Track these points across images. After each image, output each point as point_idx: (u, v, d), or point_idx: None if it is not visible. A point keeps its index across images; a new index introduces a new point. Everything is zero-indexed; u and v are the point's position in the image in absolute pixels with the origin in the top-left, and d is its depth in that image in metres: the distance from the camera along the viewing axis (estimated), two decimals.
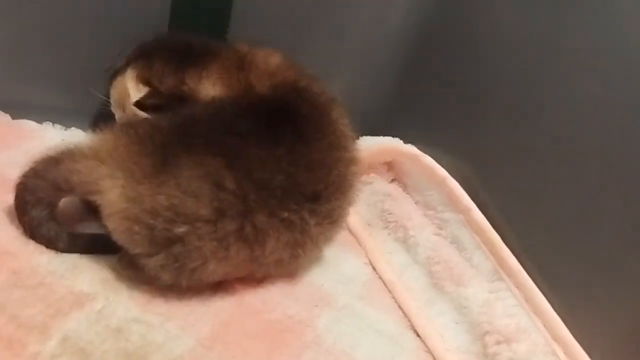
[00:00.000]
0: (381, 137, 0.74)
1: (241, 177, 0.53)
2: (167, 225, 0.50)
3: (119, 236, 0.52)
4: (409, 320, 0.62)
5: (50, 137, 0.69)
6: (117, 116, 0.68)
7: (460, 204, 0.66)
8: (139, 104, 0.65)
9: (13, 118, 0.69)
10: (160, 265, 0.51)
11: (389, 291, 0.65)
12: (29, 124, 0.70)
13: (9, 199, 0.58)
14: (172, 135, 0.55)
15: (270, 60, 0.68)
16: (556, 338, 0.58)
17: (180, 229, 0.51)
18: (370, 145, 0.71)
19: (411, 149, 0.70)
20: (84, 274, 0.52)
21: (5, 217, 0.56)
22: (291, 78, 0.66)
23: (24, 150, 0.66)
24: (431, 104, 0.75)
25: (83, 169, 0.53)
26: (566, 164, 0.61)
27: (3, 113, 0.69)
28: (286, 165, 0.55)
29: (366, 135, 0.75)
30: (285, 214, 0.55)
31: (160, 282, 0.52)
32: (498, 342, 0.57)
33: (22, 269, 0.51)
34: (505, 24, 0.66)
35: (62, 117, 0.71)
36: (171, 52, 0.67)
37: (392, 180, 0.74)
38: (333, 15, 0.75)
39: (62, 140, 0.69)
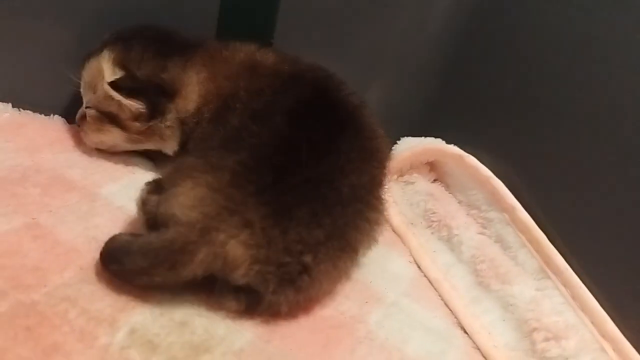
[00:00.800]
0: (423, 138, 0.75)
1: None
2: (298, 257, 0.52)
3: (246, 280, 0.52)
4: (456, 318, 0.64)
5: None
6: (85, 99, 0.67)
7: (504, 203, 0.66)
8: (114, 85, 0.64)
9: (69, 122, 0.72)
10: (285, 298, 0.53)
11: (435, 289, 0.67)
12: None
13: (70, 197, 0.61)
14: (258, 172, 0.54)
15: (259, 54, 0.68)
16: (604, 335, 0.59)
17: (307, 258, 0.53)
18: (413, 146, 0.73)
19: (454, 149, 0.71)
20: None
21: (68, 216, 0.58)
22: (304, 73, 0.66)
23: (80, 153, 0.69)
24: (472, 104, 0.76)
25: (205, 257, 0.50)
26: (611, 162, 0.61)
27: (60, 117, 0.72)
28: (351, 177, 0.57)
29: (408, 136, 0.76)
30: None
31: (276, 311, 0.53)
32: (547, 339, 0.58)
33: (88, 265, 0.53)
34: (548, 22, 0.67)
35: None
36: (151, 39, 0.66)
37: (434, 181, 0.75)
38: (374, 19, 0.77)
39: None
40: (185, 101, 0.65)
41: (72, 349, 0.45)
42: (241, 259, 0.50)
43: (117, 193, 0.64)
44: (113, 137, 0.67)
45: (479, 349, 0.60)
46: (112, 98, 0.64)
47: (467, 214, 0.71)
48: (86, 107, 0.67)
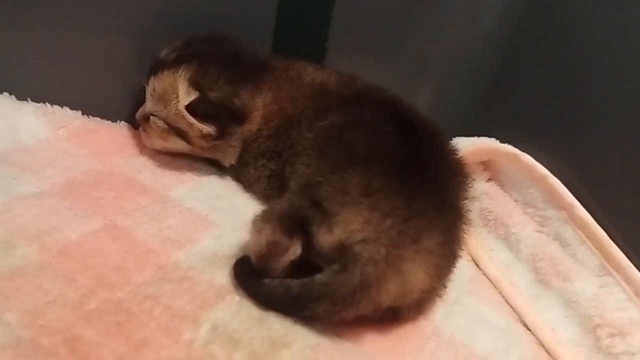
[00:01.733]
0: (477, 138, 0.76)
1: None
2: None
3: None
4: (517, 315, 0.65)
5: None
6: (152, 108, 0.68)
7: (562, 201, 0.67)
8: (189, 109, 0.66)
9: (135, 128, 0.75)
10: None
11: (495, 287, 0.68)
12: None
13: (142, 200, 0.64)
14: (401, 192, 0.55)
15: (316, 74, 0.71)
16: None
17: None
18: (466, 146, 0.73)
19: (509, 147, 0.72)
20: (222, 270, 0.57)
21: (142, 217, 0.61)
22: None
23: (147, 157, 0.72)
24: (525, 102, 0.76)
25: (393, 287, 0.52)
26: None
27: (126, 123, 0.75)
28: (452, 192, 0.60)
29: (461, 136, 0.77)
30: None
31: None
32: (612, 335, 0.59)
33: (165, 265, 0.56)
34: (603, 16, 0.67)
35: None
36: (225, 61, 0.67)
37: (488, 180, 0.76)
38: (425, 19, 0.78)
39: None
40: (251, 125, 0.68)
41: (160, 344, 0.48)
42: (422, 283, 0.53)
43: (186, 195, 0.66)
44: (176, 146, 0.70)
45: (543, 346, 0.61)
46: (184, 117, 0.66)
47: (524, 213, 0.71)
48: (151, 115, 0.69)
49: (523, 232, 0.69)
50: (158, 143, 0.70)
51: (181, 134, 0.68)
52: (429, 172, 0.58)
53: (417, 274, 0.53)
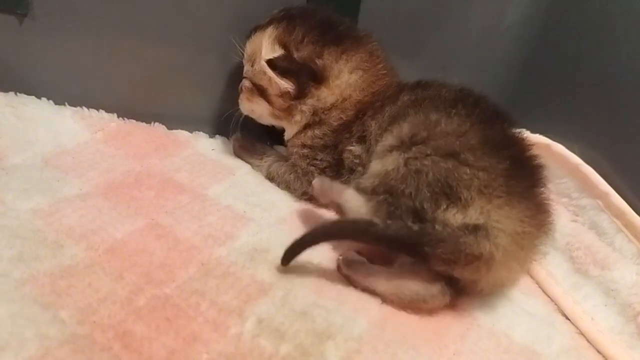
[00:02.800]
0: None
1: None
2: None
3: None
4: (555, 304, 0.65)
5: (203, 145, 0.77)
6: (245, 69, 0.72)
7: (596, 189, 0.66)
8: (270, 63, 0.68)
9: (168, 129, 0.77)
10: None
11: (531, 277, 0.68)
12: (182, 134, 0.77)
13: (182, 199, 0.65)
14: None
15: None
16: None
17: None
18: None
19: (541, 138, 0.72)
20: (262, 265, 0.58)
21: (183, 215, 0.62)
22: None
23: (183, 157, 0.74)
24: (554, 93, 0.76)
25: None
26: None
27: (160, 124, 0.77)
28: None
29: None
30: None
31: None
32: None
33: (208, 261, 0.57)
34: (633, 4, 0.67)
35: (208, 126, 0.79)
36: (315, 23, 0.69)
37: None
38: (454, 13, 0.78)
39: (212, 149, 0.77)
40: (328, 92, 0.69)
41: (209, 338, 0.49)
42: (516, 281, 0.61)
43: (222, 193, 0.68)
44: (260, 108, 0.72)
45: (583, 335, 0.61)
46: (264, 73, 0.68)
47: (558, 203, 0.70)
48: (244, 77, 0.72)
49: (558, 222, 0.67)
50: (246, 106, 0.73)
51: (262, 92, 0.70)
52: (529, 166, 0.61)
53: (518, 275, 0.60)
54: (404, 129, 0.62)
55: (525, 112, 0.77)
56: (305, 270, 0.59)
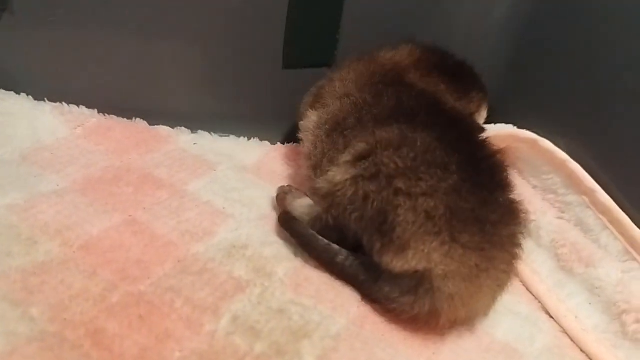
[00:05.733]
0: (494, 125, 0.74)
1: None
2: None
3: None
4: (540, 302, 0.64)
5: (184, 141, 0.75)
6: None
7: (583, 186, 0.65)
8: None
9: (150, 124, 0.75)
10: None
11: (516, 275, 0.66)
12: (164, 129, 0.76)
13: (160, 195, 0.64)
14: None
15: None
16: None
17: None
18: (485, 132, 0.72)
19: (528, 133, 0.70)
20: (240, 262, 0.57)
21: (161, 212, 0.61)
22: None
23: (164, 153, 0.73)
24: (541, 88, 0.75)
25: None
26: None
27: (141, 120, 0.75)
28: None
29: None
30: None
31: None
32: (638, 321, 0.57)
33: (185, 257, 0.56)
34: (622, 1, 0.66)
35: (190, 121, 0.77)
36: None
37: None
38: (439, 10, 0.77)
39: (194, 144, 0.76)
40: None
41: (182, 336, 0.48)
42: (488, 308, 0.56)
43: (202, 189, 0.67)
44: None
45: (566, 333, 0.60)
46: None
47: (543, 199, 0.70)
48: None
49: (543, 219, 0.68)
50: None
51: None
52: (488, 181, 0.56)
53: (486, 302, 0.55)
54: (357, 138, 0.59)
55: (513, 107, 0.77)
56: (284, 267, 0.58)
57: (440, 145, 0.55)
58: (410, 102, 0.61)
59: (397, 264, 0.52)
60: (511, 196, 0.58)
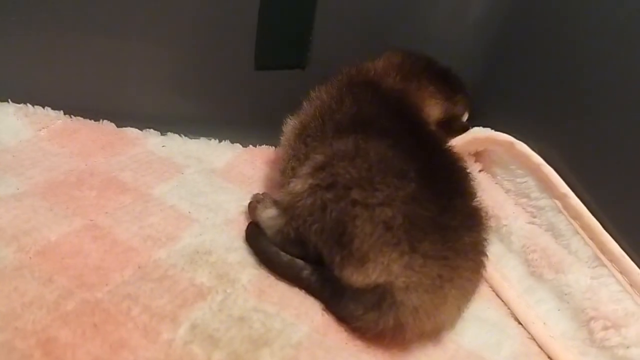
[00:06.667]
0: (471, 128, 0.73)
1: None
2: None
3: None
4: (509, 308, 0.63)
5: (153, 143, 0.74)
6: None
7: (556, 190, 0.64)
8: None
9: (117, 126, 0.74)
10: None
11: (485, 280, 0.66)
12: (132, 131, 0.74)
13: (124, 199, 0.63)
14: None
15: None
16: None
17: None
18: (462, 136, 0.71)
19: (505, 136, 0.69)
20: (202, 268, 0.56)
21: (124, 216, 0.60)
22: None
23: (131, 156, 0.71)
24: (517, 92, 0.74)
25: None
26: None
27: (109, 122, 0.74)
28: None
29: None
30: None
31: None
32: (605, 328, 0.57)
33: (146, 264, 0.55)
34: (594, 4, 0.65)
35: (159, 123, 0.76)
36: None
37: (480, 171, 0.73)
38: (415, 11, 0.76)
39: (163, 146, 0.75)
40: None
41: (138, 345, 0.47)
42: (455, 318, 0.55)
43: (168, 193, 0.65)
44: None
45: (534, 340, 0.59)
46: None
47: (516, 204, 0.69)
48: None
49: (514, 224, 0.67)
50: None
51: None
52: (449, 188, 0.55)
53: (452, 313, 0.54)
54: (316, 150, 0.58)
55: (488, 111, 0.76)
56: (248, 274, 0.57)
57: (397, 154, 0.54)
58: (371, 109, 0.60)
59: (358, 278, 0.51)
60: (474, 203, 0.57)
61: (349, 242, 0.51)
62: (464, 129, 0.71)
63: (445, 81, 0.70)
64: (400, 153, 0.54)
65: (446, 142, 0.62)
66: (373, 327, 0.51)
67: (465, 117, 0.74)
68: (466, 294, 0.54)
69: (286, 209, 0.56)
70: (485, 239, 0.56)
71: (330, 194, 0.52)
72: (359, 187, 0.52)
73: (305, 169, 0.56)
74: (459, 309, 0.54)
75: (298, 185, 0.55)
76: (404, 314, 0.50)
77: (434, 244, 0.51)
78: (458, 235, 0.52)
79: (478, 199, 0.58)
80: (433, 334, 0.54)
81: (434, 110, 0.68)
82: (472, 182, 0.59)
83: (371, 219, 0.51)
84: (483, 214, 0.57)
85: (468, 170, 0.60)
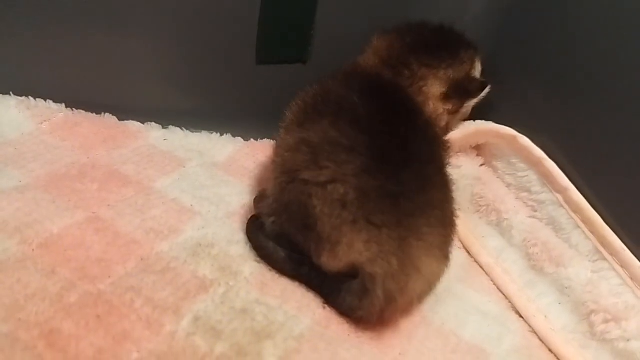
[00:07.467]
0: (473, 121, 0.73)
1: None
2: None
3: None
4: (510, 302, 0.63)
5: (154, 137, 0.73)
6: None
7: (557, 184, 0.64)
8: None
9: (119, 120, 0.74)
10: None
11: (487, 274, 0.66)
12: (134, 125, 0.74)
13: (126, 192, 0.63)
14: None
15: None
16: None
17: None
18: (464, 129, 0.71)
19: (507, 129, 0.69)
20: (205, 261, 0.56)
21: (126, 209, 0.60)
22: None
23: (132, 149, 0.71)
24: (519, 85, 0.74)
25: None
26: None
27: (111, 115, 0.73)
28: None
29: None
30: None
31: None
32: (606, 321, 0.57)
33: (148, 256, 0.55)
34: None
35: (161, 117, 0.75)
36: None
37: (482, 165, 0.74)
38: (415, 5, 0.76)
39: (165, 140, 0.74)
40: None
41: (141, 336, 0.47)
42: (439, 268, 0.55)
43: (170, 186, 0.65)
44: None
45: (536, 333, 0.60)
46: None
47: (517, 198, 0.69)
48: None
49: (515, 218, 0.67)
50: None
51: None
52: (408, 156, 0.55)
53: (432, 264, 0.53)
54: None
55: (489, 104, 0.76)
56: (250, 267, 0.57)
57: (343, 132, 0.54)
58: (338, 96, 0.59)
59: (334, 263, 0.52)
60: (435, 167, 0.57)
61: (313, 225, 0.51)
62: (482, 86, 0.68)
63: (440, 48, 0.67)
64: (347, 131, 0.54)
65: (425, 115, 0.61)
66: (372, 311, 0.51)
67: (476, 69, 0.70)
68: (441, 247, 0.54)
69: (270, 205, 0.57)
70: (447, 197, 0.56)
71: (285, 177, 0.54)
72: (307, 170, 0.53)
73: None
74: (438, 266, 0.54)
75: (271, 180, 0.57)
76: (387, 286, 0.50)
77: (387, 212, 0.51)
78: (411, 199, 0.52)
79: (446, 164, 0.58)
80: (423, 295, 0.55)
81: (433, 88, 0.66)
82: (443, 151, 0.59)
83: (325, 198, 0.51)
84: (447, 177, 0.57)
85: (442, 140, 0.61)
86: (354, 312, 0.53)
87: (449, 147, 0.63)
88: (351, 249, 0.51)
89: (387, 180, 0.52)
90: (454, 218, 0.57)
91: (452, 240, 0.57)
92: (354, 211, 0.51)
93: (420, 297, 0.55)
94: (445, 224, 0.55)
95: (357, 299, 0.52)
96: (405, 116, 0.59)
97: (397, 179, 0.52)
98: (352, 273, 0.52)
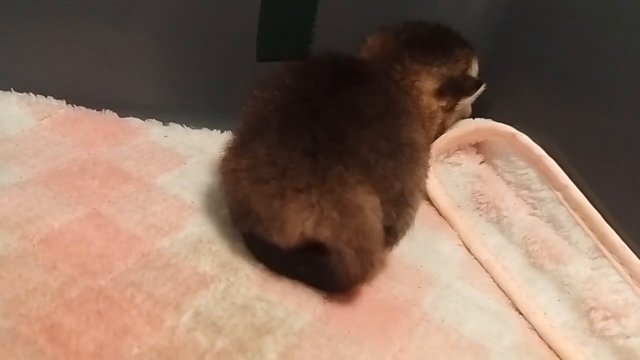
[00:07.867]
0: (472, 118, 0.73)
1: None
2: None
3: None
4: (510, 299, 0.63)
5: (155, 133, 0.74)
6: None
7: (557, 182, 0.65)
8: None
9: (120, 116, 0.74)
10: None
11: (487, 271, 0.66)
12: (134, 121, 0.74)
13: (127, 188, 0.63)
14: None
15: None
16: None
17: None
18: (464, 125, 0.71)
19: (507, 127, 0.70)
20: (205, 257, 0.56)
21: (127, 205, 0.60)
22: None
23: (133, 146, 0.71)
24: (518, 83, 0.74)
25: None
26: None
27: (111, 112, 0.74)
28: None
29: None
30: None
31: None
32: (606, 318, 0.57)
33: (149, 252, 0.55)
34: None
35: (161, 113, 0.75)
36: None
37: (481, 163, 0.74)
38: (415, 4, 0.76)
39: (165, 136, 0.75)
40: None
41: (142, 332, 0.47)
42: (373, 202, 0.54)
43: (171, 183, 0.66)
44: None
45: (535, 330, 0.60)
46: None
47: (516, 195, 0.69)
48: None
49: (515, 216, 0.67)
50: None
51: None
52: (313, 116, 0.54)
53: (369, 199, 0.52)
54: None
55: (489, 102, 0.76)
56: (251, 263, 0.57)
57: (261, 111, 0.56)
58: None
59: (287, 239, 0.52)
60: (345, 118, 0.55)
61: (249, 210, 0.52)
62: (476, 85, 0.68)
63: (435, 46, 0.67)
64: (265, 108, 0.55)
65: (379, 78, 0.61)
66: (361, 274, 0.51)
67: (473, 68, 0.71)
68: (365, 185, 0.52)
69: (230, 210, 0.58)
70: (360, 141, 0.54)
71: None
72: (229, 161, 0.55)
73: None
74: (370, 197, 0.52)
75: None
76: (345, 240, 0.50)
77: (307, 174, 0.51)
78: (332, 149, 0.51)
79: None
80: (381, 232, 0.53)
81: (426, 83, 0.66)
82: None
83: (250, 179, 0.52)
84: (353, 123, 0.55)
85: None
86: (354, 284, 0.53)
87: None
88: (291, 221, 0.51)
89: (300, 142, 0.52)
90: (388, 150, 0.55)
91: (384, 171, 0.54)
92: (276, 184, 0.51)
93: (381, 234, 0.53)
94: (368, 162, 0.53)
95: (350, 270, 0.51)
96: (341, 81, 0.58)
97: (310, 137, 0.52)
98: (320, 248, 0.52)
